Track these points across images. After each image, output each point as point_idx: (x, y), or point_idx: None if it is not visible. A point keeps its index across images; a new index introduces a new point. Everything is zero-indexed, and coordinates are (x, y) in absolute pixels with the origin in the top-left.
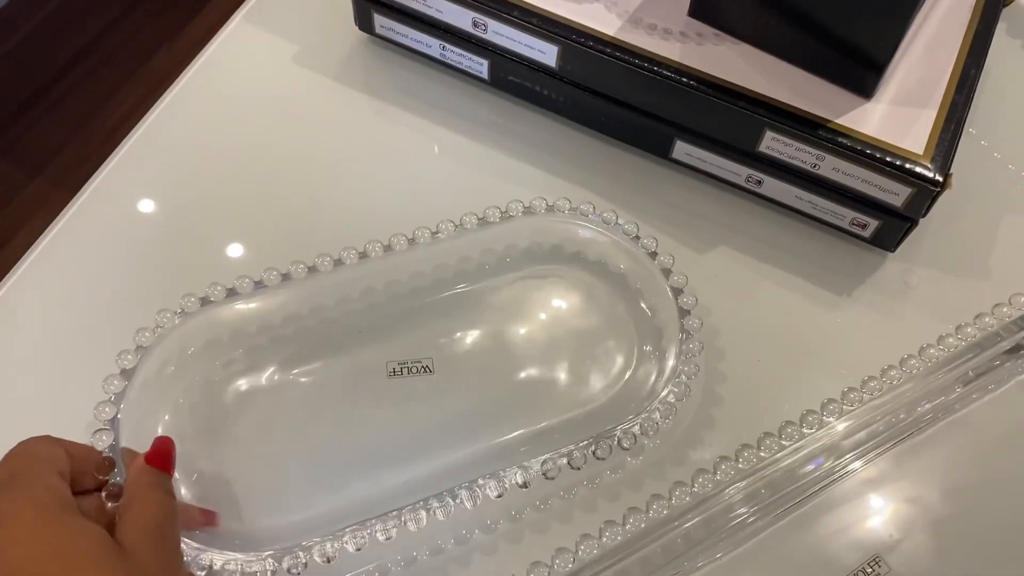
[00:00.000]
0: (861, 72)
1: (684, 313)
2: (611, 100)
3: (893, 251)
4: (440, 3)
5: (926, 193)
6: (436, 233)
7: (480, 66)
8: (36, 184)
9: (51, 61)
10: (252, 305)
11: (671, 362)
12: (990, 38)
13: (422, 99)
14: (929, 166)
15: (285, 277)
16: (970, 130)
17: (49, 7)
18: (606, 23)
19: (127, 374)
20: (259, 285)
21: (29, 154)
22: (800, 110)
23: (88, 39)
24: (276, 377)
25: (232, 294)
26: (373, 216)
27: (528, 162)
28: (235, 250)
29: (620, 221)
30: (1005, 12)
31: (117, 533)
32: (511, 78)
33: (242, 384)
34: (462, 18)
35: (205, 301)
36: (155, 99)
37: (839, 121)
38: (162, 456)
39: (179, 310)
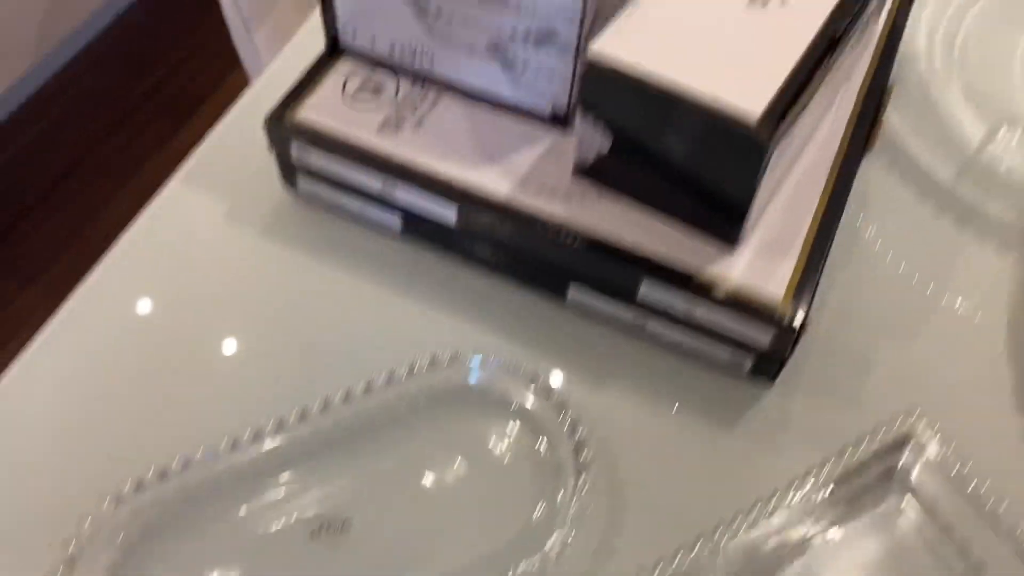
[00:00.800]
0: (726, 223)
1: (580, 448)
2: (510, 250)
3: (772, 383)
4: (352, 171)
5: (787, 336)
6: (347, 399)
7: (394, 221)
8: (28, 294)
9: (46, 173)
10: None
11: (569, 498)
12: (851, 182)
13: (343, 252)
14: (787, 313)
15: (212, 455)
16: (853, 254)
17: (43, 123)
18: (500, 184)
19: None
20: (187, 463)
21: (23, 264)
22: (672, 262)
23: (81, 151)
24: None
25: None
26: (293, 374)
27: (440, 308)
28: (164, 415)
29: (520, 363)
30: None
31: None
32: (421, 232)
33: None
34: (372, 182)
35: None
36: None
37: (708, 270)
38: None
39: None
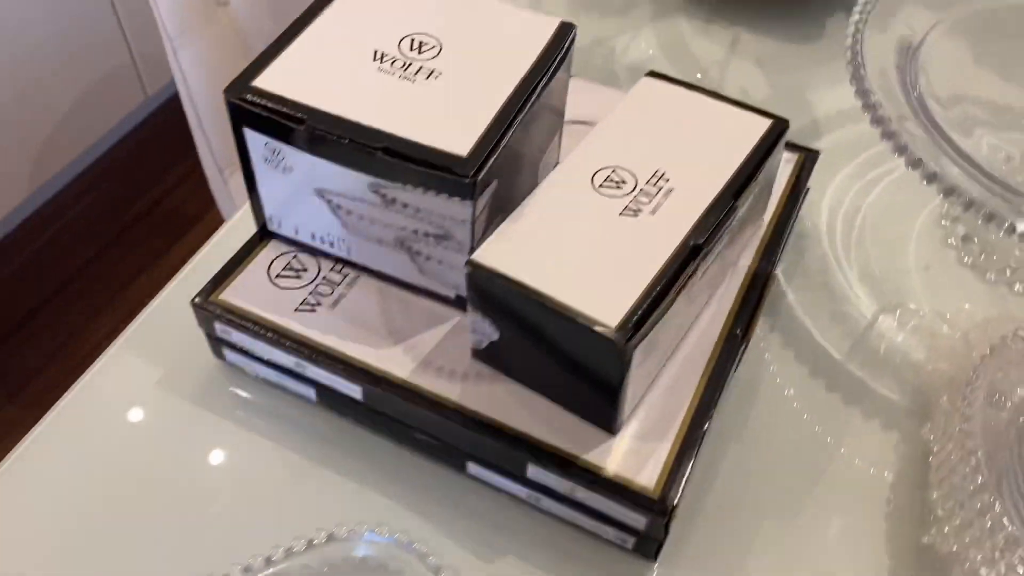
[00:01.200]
0: (604, 413)
1: None
2: (411, 427)
3: (655, 560)
4: (267, 349)
5: (659, 521)
6: (247, 571)
7: (309, 392)
8: (9, 409)
9: (37, 290)
10: None
11: None
12: (728, 367)
13: (265, 418)
14: (657, 501)
15: None
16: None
17: (37, 244)
18: (403, 365)
19: None
20: None
21: (8, 379)
22: (554, 447)
23: (72, 270)
24: None
25: None
26: (198, 546)
27: (349, 477)
28: None
29: (416, 537)
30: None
31: None
32: (334, 404)
33: None
34: (286, 359)
35: None
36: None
37: (587, 456)
38: None
39: None
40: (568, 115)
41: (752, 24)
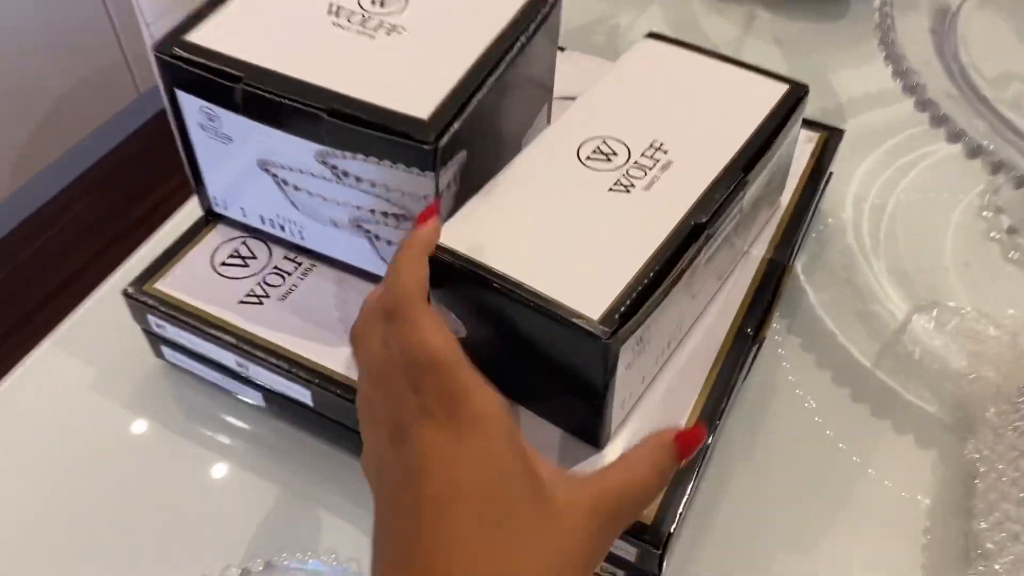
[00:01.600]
0: (588, 422)
1: None
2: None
3: None
4: (203, 344)
5: (653, 553)
6: None
7: (256, 396)
8: None
9: (36, 292)
10: None
11: None
12: (738, 373)
13: (208, 425)
14: (650, 529)
15: None
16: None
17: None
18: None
19: None
20: None
21: None
22: None
23: (53, 286)
24: None
25: None
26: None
27: (298, 493)
28: None
29: (364, 571)
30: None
31: (585, 487)
32: (284, 410)
33: None
34: (226, 358)
35: None
36: None
37: (573, 470)
38: (691, 445)
39: None
40: (561, 91)
41: (769, 1)
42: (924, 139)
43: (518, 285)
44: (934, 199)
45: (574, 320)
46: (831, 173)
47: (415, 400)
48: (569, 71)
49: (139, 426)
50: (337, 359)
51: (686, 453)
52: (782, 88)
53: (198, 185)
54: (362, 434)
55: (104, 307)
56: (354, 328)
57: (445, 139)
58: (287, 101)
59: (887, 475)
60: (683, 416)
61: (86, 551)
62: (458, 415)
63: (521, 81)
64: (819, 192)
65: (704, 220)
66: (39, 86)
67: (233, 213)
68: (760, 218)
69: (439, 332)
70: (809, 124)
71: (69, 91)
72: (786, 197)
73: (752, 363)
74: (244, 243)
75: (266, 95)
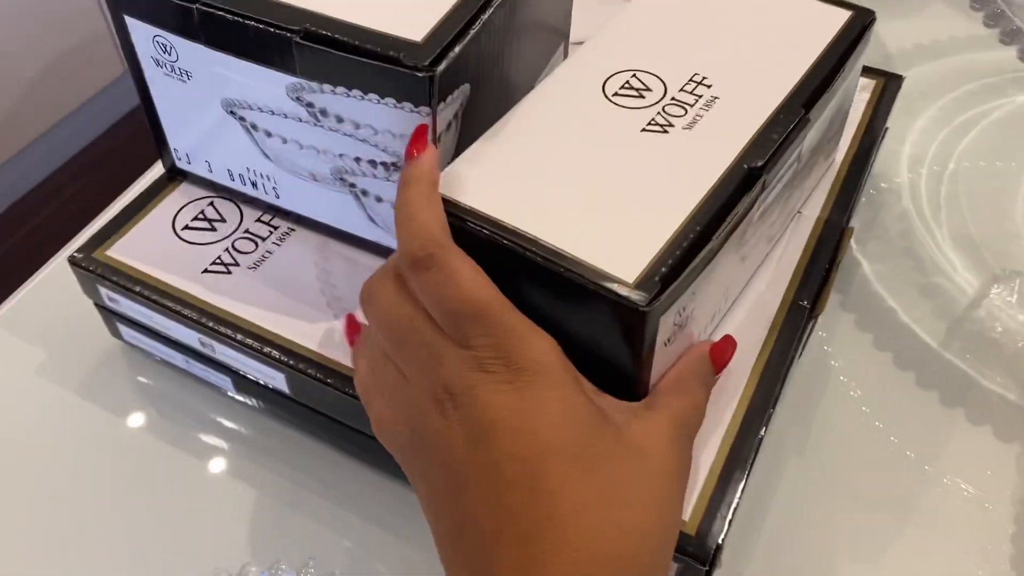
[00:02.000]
0: None
1: None
2: (354, 428)
3: None
4: (162, 320)
5: (698, 570)
6: None
7: (224, 381)
8: None
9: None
10: None
11: None
12: (792, 354)
13: (173, 410)
14: (694, 540)
15: None
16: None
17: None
18: (339, 346)
19: None
20: None
21: None
22: None
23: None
24: None
25: None
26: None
27: (271, 492)
28: None
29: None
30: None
31: (655, 417)
32: (256, 396)
33: None
34: (189, 337)
35: None
36: None
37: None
38: (725, 357)
39: None
40: (579, 35)
41: None
42: (984, 95)
43: (534, 242)
44: (1000, 158)
45: (604, 285)
46: (887, 128)
47: (463, 355)
48: (588, 15)
49: (92, 415)
50: (316, 337)
51: (721, 366)
52: (844, 14)
53: (157, 136)
54: (370, 403)
55: (55, 280)
56: (367, 285)
57: (443, 65)
58: (252, 23)
59: (961, 474)
60: (730, 404)
61: (29, 554)
62: (519, 366)
63: (532, 17)
64: (876, 145)
65: (760, 164)
66: (16, 58)
67: (198, 168)
68: (816, 171)
69: (479, 277)
70: (865, 70)
71: (49, 64)
72: (840, 152)
73: (806, 342)
74: (211, 204)
75: (227, 16)
